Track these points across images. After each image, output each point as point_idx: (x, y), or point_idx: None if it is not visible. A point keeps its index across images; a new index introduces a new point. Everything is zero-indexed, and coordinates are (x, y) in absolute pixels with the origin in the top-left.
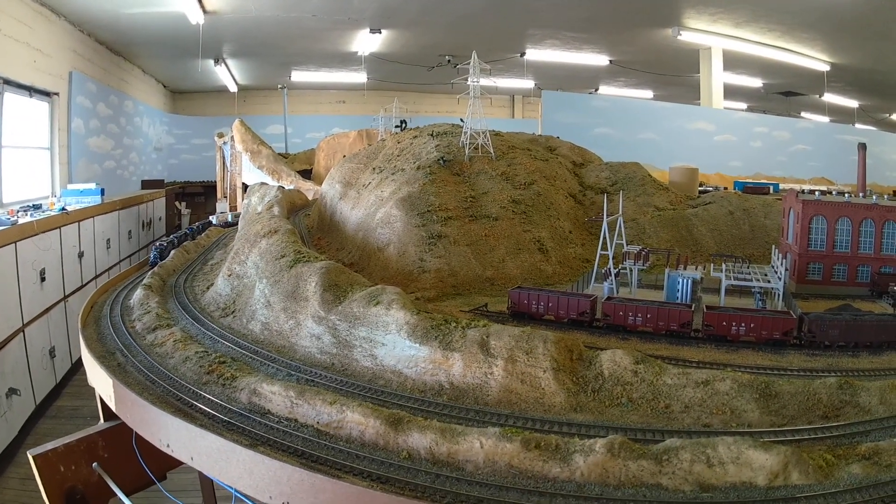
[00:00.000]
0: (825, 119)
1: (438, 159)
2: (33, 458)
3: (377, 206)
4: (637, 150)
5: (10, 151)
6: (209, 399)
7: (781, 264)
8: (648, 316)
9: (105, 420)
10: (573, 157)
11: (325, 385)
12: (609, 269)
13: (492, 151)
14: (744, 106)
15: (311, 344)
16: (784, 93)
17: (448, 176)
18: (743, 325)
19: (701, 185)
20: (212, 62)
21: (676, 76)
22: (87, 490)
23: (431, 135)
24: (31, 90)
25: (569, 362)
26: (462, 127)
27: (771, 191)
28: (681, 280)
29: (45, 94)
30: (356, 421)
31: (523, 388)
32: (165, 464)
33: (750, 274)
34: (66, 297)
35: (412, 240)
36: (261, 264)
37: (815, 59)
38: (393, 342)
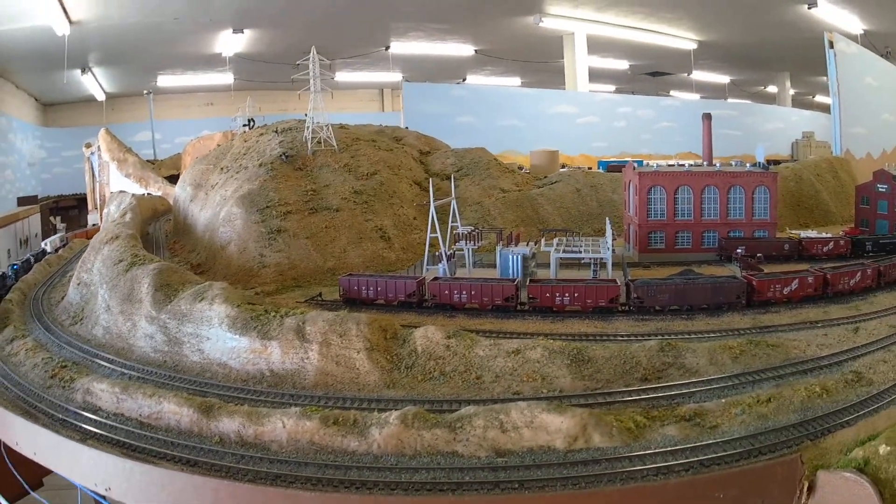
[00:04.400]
0: (695, 96)
1: (280, 155)
2: None
3: (221, 206)
4: (500, 136)
5: None
6: (50, 400)
7: (611, 236)
8: (472, 293)
9: None
10: (420, 146)
11: (154, 382)
12: (444, 251)
13: (335, 144)
14: (612, 88)
15: (145, 344)
16: (651, 73)
17: (290, 171)
18: (566, 295)
19: (564, 166)
20: (79, 72)
21: (543, 62)
22: None
23: (276, 131)
24: None
25: (383, 341)
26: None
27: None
28: (511, 256)
29: None
30: (172, 411)
31: (338, 369)
32: (40, 470)
33: (580, 246)
34: None
35: (252, 236)
36: (103, 270)
37: (682, 39)
38: (217, 335)
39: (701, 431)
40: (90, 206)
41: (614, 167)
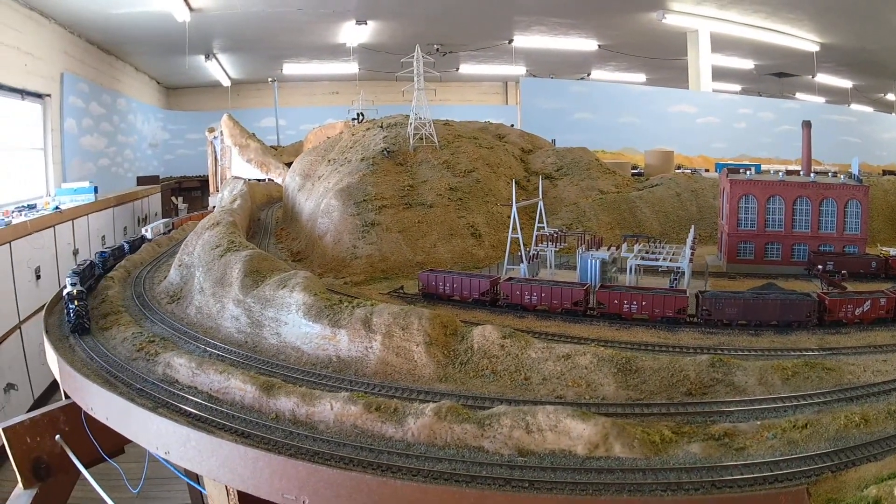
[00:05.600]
0: (820, 100)
1: (382, 150)
2: (3, 430)
3: (323, 197)
4: (618, 134)
5: (4, 153)
6: (131, 371)
7: (689, 244)
8: (543, 295)
9: (66, 397)
10: (522, 144)
11: (231, 360)
12: (523, 252)
13: (436, 141)
14: (738, 88)
15: (231, 325)
16: (776, 74)
17: (390, 166)
18: (634, 303)
19: (679, 167)
20: (202, 58)
21: (666, 59)
22: (51, 460)
23: (381, 126)
24: (23, 93)
25: (442, 337)
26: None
27: (752, 172)
28: (590, 260)
29: (38, 96)
30: (238, 387)
31: (398, 360)
32: (120, 437)
33: (661, 254)
34: None
35: (347, 228)
36: (201, 254)
37: (803, 40)
38: (293, 321)
39: (725, 452)
40: (212, 189)
41: (735, 171)
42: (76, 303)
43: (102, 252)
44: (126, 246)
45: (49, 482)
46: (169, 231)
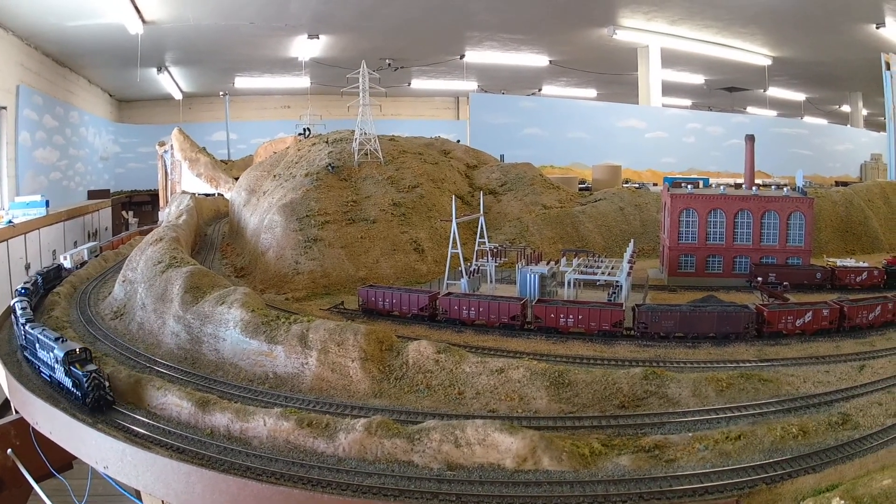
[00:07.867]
0: (772, 113)
1: (327, 165)
2: None
3: (266, 212)
4: (567, 148)
5: None
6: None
7: (627, 258)
8: (480, 310)
9: (16, 412)
10: (467, 160)
11: (170, 377)
12: (470, 265)
13: (381, 157)
14: (688, 103)
15: (171, 341)
16: (727, 88)
17: (335, 181)
18: (571, 317)
19: (626, 181)
20: (154, 70)
21: (617, 75)
22: (3, 475)
23: (327, 141)
24: None
25: (378, 352)
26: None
27: (700, 186)
28: (528, 275)
29: None
30: (174, 403)
31: (333, 376)
32: (68, 452)
33: (599, 268)
34: None
35: (289, 244)
36: (144, 270)
37: (756, 54)
38: (231, 337)
39: (655, 464)
40: (162, 204)
41: (678, 184)
42: (81, 368)
43: (23, 288)
44: (39, 279)
45: (2, 496)
46: (96, 256)
